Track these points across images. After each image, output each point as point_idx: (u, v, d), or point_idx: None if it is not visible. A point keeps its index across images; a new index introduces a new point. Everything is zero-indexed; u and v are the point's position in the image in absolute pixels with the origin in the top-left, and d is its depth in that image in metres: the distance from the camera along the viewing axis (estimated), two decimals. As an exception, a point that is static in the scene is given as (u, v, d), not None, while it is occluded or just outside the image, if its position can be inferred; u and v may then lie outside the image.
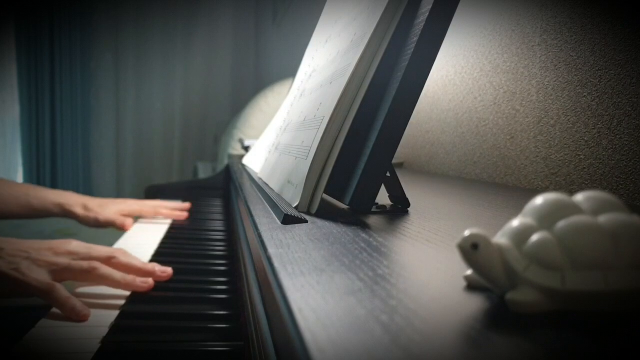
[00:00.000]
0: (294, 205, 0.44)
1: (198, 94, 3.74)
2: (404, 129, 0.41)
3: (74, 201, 1.06)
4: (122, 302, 0.59)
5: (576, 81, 0.61)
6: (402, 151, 1.16)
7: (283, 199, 0.49)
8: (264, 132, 1.22)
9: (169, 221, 1.10)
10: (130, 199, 1.15)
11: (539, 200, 0.22)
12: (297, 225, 0.38)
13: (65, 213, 1.05)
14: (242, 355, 0.48)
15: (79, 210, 1.04)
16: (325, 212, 0.43)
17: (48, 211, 1.05)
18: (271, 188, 0.59)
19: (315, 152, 0.43)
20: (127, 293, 0.61)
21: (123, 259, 0.63)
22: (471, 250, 0.20)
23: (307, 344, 0.17)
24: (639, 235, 0.20)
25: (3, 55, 3.35)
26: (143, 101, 3.66)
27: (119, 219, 1.05)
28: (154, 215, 1.12)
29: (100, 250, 0.63)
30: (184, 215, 1.12)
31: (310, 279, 0.24)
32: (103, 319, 0.53)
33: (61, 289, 0.54)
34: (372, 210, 0.44)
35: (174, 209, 1.15)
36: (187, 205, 1.18)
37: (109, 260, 0.62)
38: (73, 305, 0.53)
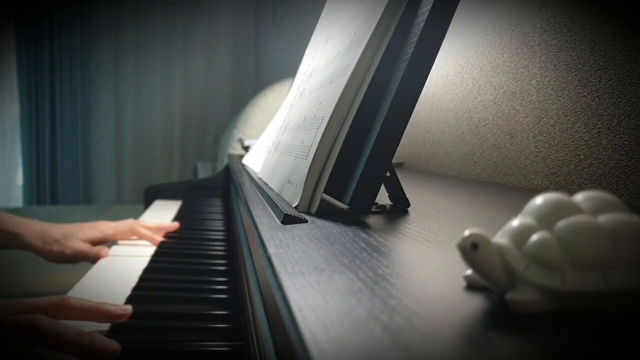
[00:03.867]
0: (294, 205, 0.44)
1: (198, 94, 3.74)
2: (404, 129, 0.41)
3: (31, 231, 0.86)
4: (122, 302, 0.59)
5: (576, 81, 0.61)
6: (402, 151, 1.16)
7: (283, 199, 0.49)
8: (264, 132, 1.22)
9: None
10: (103, 222, 0.93)
11: (539, 200, 0.22)
12: (297, 225, 0.38)
13: (20, 245, 0.86)
14: (242, 355, 0.48)
15: (36, 242, 0.85)
16: (325, 212, 0.43)
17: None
18: (271, 188, 0.59)
19: (315, 152, 0.43)
20: (127, 293, 0.61)
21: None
22: (471, 250, 0.20)
23: (307, 344, 0.17)
24: (639, 235, 0.20)
25: (3, 55, 3.35)
26: (143, 101, 3.66)
27: (92, 250, 0.85)
28: (130, 236, 0.92)
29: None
30: (163, 238, 0.92)
31: (310, 279, 0.24)
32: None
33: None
34: (372, 210, 0.44)
35: (160, 229, 0.95)
36: (175, 225, 0.98)
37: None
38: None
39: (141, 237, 0.91)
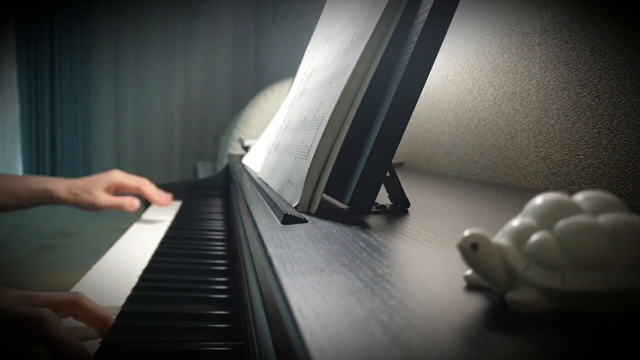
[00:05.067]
0: (294, 205, 0.44)
1: (198, 94, 3.74)
2: (404, 129, 0.41)
3: (59, 186, 1.04)
4: (122, 302, 0.59)
5: (576, 81, 0.61)
6: (402, 151, 1.16)
7: (283, 199, 0.49)
8: (264, 132, 1.22)
9: (169, 221, 1.10)
10: (115, 171, 1.13)
11: (539, 200, 0.22)
12: (297, 225, 0.38)
13: (56, 200, 1.04)
14: (242, 355, 0.48)
15: (65, 195, 1.04)
16: (325, 212, 0.43)
17: (35, 199, 1.04)
18: (271, 188, 0.59)
19: (315, 152, 0.43)
20: (127, 293, 0.61)
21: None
22: (471, 250, 0.20)
23: (307, 344, 0.17)
24: (639, 235, 0.20)
25: (3, 55, 3.35)
26: (143, 101, 3.66)
27: (127, 203, 1.06)
28: (135, 190, 1.12)
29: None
30: (165, 202, 1.12)
31: (310, 279, 0.24)
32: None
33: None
34: (372, 210, 0.44)
35: (158, 194, 1.15)
36: (169, 196, 1.17)
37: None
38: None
39: (146, 193, 1.11)
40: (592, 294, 0.19)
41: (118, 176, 1.10)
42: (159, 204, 1.12)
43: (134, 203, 1.06)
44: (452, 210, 0.46)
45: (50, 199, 1.04)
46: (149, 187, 1.13)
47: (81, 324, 0.51)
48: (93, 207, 1.05)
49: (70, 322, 0.51)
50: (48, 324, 0.43)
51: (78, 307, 0.50)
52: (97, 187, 1.06)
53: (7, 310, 0.43)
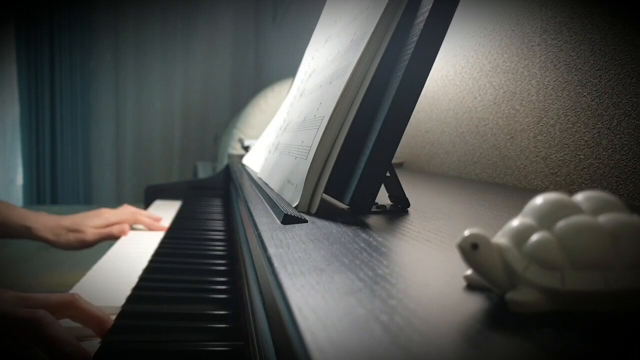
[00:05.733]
0: (294, 205, 0.44)
1: (198, 94, 3.74)
2: (404, 129, 0.41)
3: (43, 224, 0.95)
4: (122, 302, 0.59)
5: (576, 81, 0.61)
6: (402, 151, 1.16)
7: (283, 199, 0.49)
8: (264, 132, 1.22)
9: (169, 221, 1.10)
10: (105, 209, 1.05)
11: (539, 200, 0.22)
12: (297, 225, 0.38)
13: (35, 238, 0.95)
14: (242, 355, 0.48)
15: (49, 235, 0.95)
16: (325, 212, 0.43)
17: (13, 232, 0.95)
18: (271, 188, 0.59)
19: (315, 152, 0.43)
20: (127, 293, 0.61)
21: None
22: (471, 250, 0.20)
23: (307, 344, 0.17)
24: (639, 235, 0.20)
25: (3, 55, 3.35)
26: (143, 101, 3.66)
27: (115, 229, 0.96)
28: (133, 223, 1.04)
29: None
30: (162, 228, 1.04)
31: (310, 279, 0.24)
32: (103, 319, 0.53)
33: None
34: (372, 210, 0.44)
35: (155, 220, 1.08)
36: (164, 228, 1.05)
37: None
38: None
39: (142, 223, 1.04)
40: (592, 294, 0.19)
41: (111, 216, 1.01)
42: (158, 230, 1.04)
43: (123, 229, 0.97)
44: (452, 210, 0.46)
45: (29, 236, 0.95)
46: (144, 218, 1.05)
47: (79, 324, 0.51)
48: (81, 245, 0.97)
49: (68, 322, 0.51)
50: (45, 325, 0.43)
51: (75, 309, 0.50)
52: (87, 225, 0.98)
53: (4, 312, 0.44)
